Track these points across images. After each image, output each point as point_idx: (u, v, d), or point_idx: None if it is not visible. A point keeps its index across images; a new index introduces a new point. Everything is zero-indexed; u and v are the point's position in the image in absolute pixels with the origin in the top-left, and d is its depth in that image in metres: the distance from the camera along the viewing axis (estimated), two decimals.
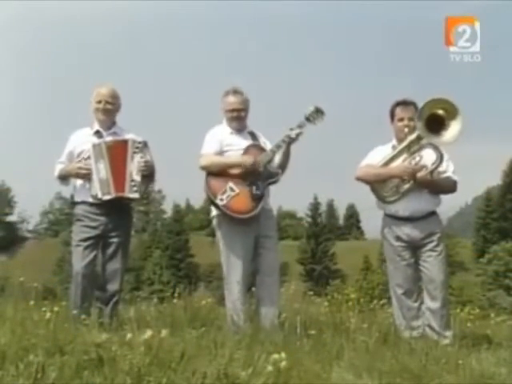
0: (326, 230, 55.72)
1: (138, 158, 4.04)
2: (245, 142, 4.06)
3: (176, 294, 5.75)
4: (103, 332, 2.95)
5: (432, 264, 4.02)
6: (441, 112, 3.90)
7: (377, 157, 4.16)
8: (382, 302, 6.26)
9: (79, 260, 4.01)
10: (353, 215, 73.03)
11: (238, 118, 4.07)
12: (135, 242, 55.04)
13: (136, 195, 4.06)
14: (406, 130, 4.03)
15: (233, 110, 4.05)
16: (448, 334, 3.95)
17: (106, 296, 4.03)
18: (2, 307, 3.84)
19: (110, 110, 4.14)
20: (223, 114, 4.13)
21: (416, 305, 4.06)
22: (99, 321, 3.59)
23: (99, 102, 4.12)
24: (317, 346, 3.20)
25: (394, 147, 4.15)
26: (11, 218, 65.12)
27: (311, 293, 8.24)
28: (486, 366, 3.06)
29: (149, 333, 2.45)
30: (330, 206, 67.82)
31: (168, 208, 61.59)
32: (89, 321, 3.49)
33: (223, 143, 4.03)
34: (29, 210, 67.07)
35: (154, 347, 2.41)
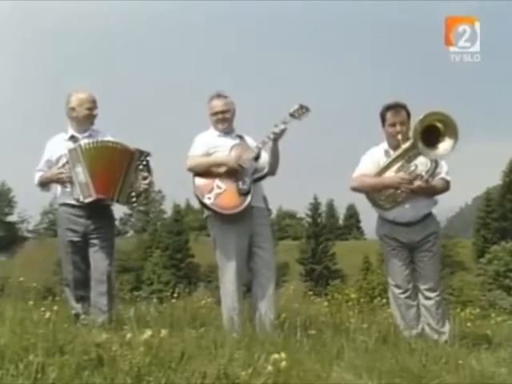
0: (326, 230, 55.61)
1: (142, 175, 4.10)
2: (232, 142, 4.07)
3: (176, 294, 5.76)
4: (103, 332, 2.95)
5: (427, 264, 4.06)
6: (438, 125, 3.81)
7: (369, 164, 4.11)
8: (382, 302, 6.28)
9: (70, 268, 4.07)
10: (353, 215, 72.92)
11: (224, 120, 4.08)
12: (135, 242, 55.11)
13: (130, 205, 4.22)
14: (400, 137, 3.96)
15: (217, 113, 4.07)
16: (445, 329, 3.99)
17: (95, 297, 4.01)
18: (2, 307, 3.83)
19: (96, 114, 4.17)
20: (209, 120, 4.14)
21: (414, 304, 4.08)
22: (96, 321, 3.60)
23: (90, 108, 4.11)
24: (317, 346, 3.20)
25: (386, 152, 4.11)
26: (11, 218, 65.04)
27: (311, 293, 8.27)
28: (486, 366, 3.07)
29: (149, 333, 2.44)
30: (330, 206, 67.65)
31: (168, 208, 61.50)
32: (89, 321, 3.50)
33: (210, 145, 4.05)
34: (29, 210, 66.86)
35: (153, 347, 2.41)
